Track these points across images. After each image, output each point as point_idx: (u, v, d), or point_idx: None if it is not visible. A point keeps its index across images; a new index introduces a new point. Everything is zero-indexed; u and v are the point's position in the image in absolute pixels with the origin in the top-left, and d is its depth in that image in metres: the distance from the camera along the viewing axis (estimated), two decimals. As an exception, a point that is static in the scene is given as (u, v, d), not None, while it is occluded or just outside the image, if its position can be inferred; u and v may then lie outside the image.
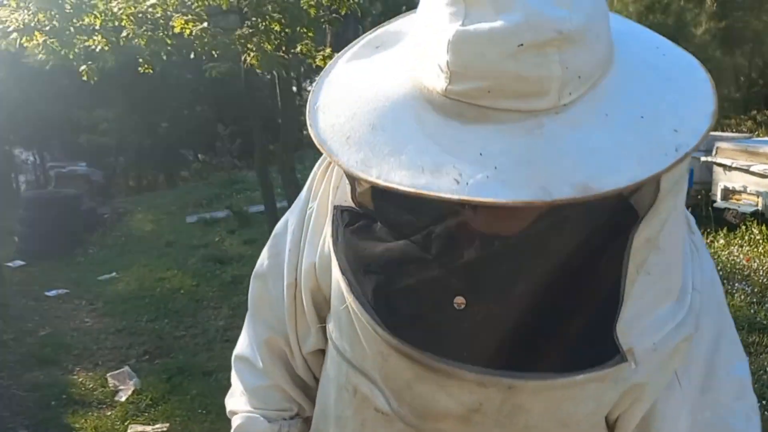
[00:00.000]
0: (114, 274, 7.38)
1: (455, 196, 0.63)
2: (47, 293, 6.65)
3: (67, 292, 6.74)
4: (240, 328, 1.10)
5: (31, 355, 4.82)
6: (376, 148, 0.69)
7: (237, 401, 1.05)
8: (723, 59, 13.44)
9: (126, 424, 3.81)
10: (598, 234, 0.75)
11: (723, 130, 11.03)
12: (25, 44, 4.87)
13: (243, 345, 1.07)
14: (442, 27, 0.66)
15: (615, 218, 0.76)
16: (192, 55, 5.11)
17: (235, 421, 1.04)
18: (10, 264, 7.74)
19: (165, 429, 3.75)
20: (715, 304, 0.86)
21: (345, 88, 0.77)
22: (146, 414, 3.95)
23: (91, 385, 4.36)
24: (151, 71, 5.32)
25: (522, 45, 0.62)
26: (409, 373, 0.79)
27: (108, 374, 4.44)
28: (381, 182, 0.66)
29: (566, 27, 0.63)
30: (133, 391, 4.20)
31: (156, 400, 4.10)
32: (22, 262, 7.93)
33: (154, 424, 3.80)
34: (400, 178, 0.66)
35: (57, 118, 14.42)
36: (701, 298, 0.81)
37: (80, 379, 4.48)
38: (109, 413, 3.98)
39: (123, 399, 4.15)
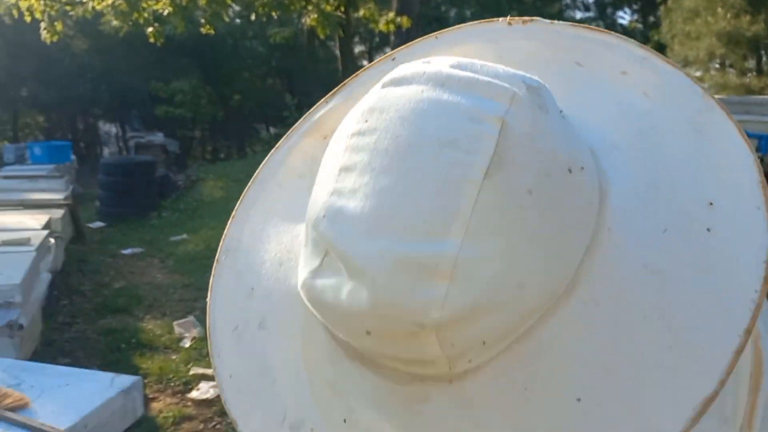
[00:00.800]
0: (185, 235, 7.70)
1: None
2: (123, 251, 7.03)
3: (142, 250, 7.10)
4: None
5: (106, 304, 5.15)
6: (252, 359, 0.56)
7: None
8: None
9: (188, 366, 4.04)
10: None
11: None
12: (98, 7, 5.14)
13: None
14: (304, 249, 0.50)
15: None
16: (253, 17, 5.25)
17: None
18: (91, 225, 8.21)
19: (224, 373, 3.94)
20: None
21: (250, 252, 0.61)
22: (207, 359, 4.15)
23: (158, 332, 4.62)
24: (213, 32, 5.50)
25: (369, 333, 0.45)
26: None
27: (174, 322, 4.70)
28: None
29: (434, 316, 0.42)
30: (197, 339, 4.43)
31: (217, 347, 4.30)
32: (102, 224, 8.39)
33: (214, 368, 4.00)
34: (256, 425, 0.54)
35: (136, 90, 15.02)
36: None
37: (149, 326, 4.75)
38: (173, 357, 4.22)
39: (187, 345, 4.39)
